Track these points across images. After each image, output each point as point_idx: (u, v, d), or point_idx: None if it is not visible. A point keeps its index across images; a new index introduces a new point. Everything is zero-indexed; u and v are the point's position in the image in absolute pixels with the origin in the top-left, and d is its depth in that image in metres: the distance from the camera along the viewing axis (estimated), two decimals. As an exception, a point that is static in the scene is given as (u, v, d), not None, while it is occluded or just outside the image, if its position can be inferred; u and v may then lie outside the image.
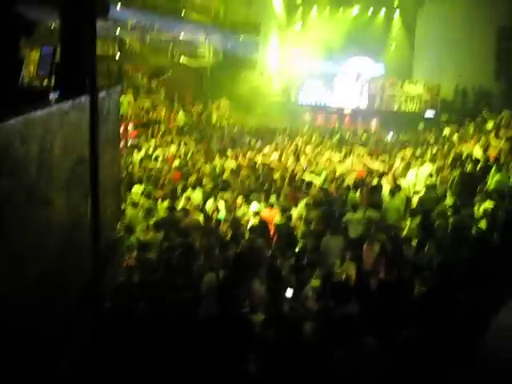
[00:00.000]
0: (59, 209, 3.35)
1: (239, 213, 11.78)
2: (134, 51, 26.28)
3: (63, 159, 3.43)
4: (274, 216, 11.40)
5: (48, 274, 3.23)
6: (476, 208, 11.23)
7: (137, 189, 12.85)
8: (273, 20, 32.52)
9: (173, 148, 18.04)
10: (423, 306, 6.61)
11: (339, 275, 8.55)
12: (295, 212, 11.70)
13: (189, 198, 12.12)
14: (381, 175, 14.02)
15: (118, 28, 24.69)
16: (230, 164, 15.80)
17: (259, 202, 12.27)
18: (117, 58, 25.15)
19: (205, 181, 13.79)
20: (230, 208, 11.98)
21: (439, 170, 14.45)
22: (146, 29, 26.93)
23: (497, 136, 17.04)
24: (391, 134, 24.29)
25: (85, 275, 3.94)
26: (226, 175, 14.53)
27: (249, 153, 17.79)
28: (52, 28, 17.92)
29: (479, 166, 13.70)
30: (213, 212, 11.71)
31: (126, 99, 22.73)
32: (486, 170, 13.33)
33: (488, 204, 10.87)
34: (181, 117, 24.53)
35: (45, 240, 3.16)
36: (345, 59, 31.37)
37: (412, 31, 30.71)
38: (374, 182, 13.46)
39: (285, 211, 11.30)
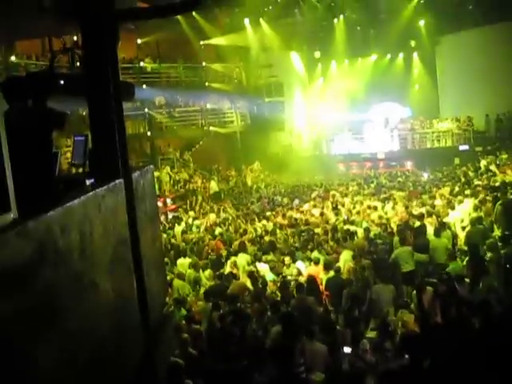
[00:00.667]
0: (105, 291, 3.39)
1: (286, 272, 11.70)
2: (164, 126, 26.97)
3: (104, 242, 3.50)
4: (320, 271, 11.29)
5: (100, 358, 3.24)
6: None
7: (182, 261, 12.93)
8: (294, 78, 33.10)
9: (212, 216, 18.18)
10: (484, 345, 6.38)
11: (395, 324, 8.35)
12: (341, 264, 11.56)
13: (234, 264, 12.11)
14: (422, 216, 13.77)
15: (147, 106, 25.46)
16: (271, 225, 15.80)
17: (304, 259, 12.20)
18: (148, 134, 25.83)
19: (248, 245, 13.79)
20: (276, 269, 11.91)
21: (482, 203, 14.17)
22: (174, 103, 27.71)
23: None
24: (427, 172, 24.08)
25: (137, 355, 3.94)
26: (268, 237, 14.51)
27: (288, 212, 17.78)
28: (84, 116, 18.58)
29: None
30: (259, 275, 11.65)
31: (162, 174, 23.17)
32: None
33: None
34: (213, 185, 24.79)
35: (94, 324, 3.19)
36: (371, 106, 31.61)
37: (433, 69, 30.88)
38: (417, 224, 13.20)
39: (331, 265, 11.18)
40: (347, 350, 7.48)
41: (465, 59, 28.20)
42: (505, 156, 20.58)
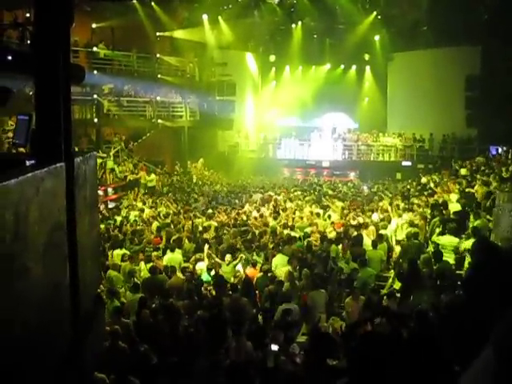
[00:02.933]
0: (36, 276, 3.29)
1: (222, 272, 11.69)
2: (111, 115, 26.49)
3: (39, 226, 3.39)
4: (258, 273, 11.34)
5: (25, 343, 3.15)
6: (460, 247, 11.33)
7: (118, 252, 12.74)
8: (247, 79, 33.15)
9: (148, 210, 17.93)
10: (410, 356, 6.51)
11: (326, 330, 8.45)
12: (278, 268, 11.62)
13: (170, 259, 12.03)
14: (360, 227, 14.04)
15: (96, 92, 24.95)
16: (212, 223, 15.73)
17: (242, 260, 12.21)
18: (95, 121, 25.33)
19: (186, 241, 13.71)
20: (213, 267, 11.88)
21: (419, 218, 14.53)
22: (123, 92, 27.28)
23: (472, 181, 17.30)
24: (369, 184, 24.53)
25: (65, 342, 3.85)
26: (207, 235, 14.45)
27: (230, 211, 17.76)
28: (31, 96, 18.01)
29: (457, 212, 13.85)
30: (195, 272, 11.60)
31: (105, 163, 22.74)
32: (463, 214, 13.45)
33: (469, 243, 10.86)
34: (152, 179, 24.44)
35: (22, 308, 3.10)
36: (320, 115, 32.00)
37: (384, 84, 31.52)
38: (355, 234, 13.45)
39: (267, 268, 11.24)
40: (274, 347, 7.47)
41: (415, 78, 28.89)
42: (447, 174, 21.22)
